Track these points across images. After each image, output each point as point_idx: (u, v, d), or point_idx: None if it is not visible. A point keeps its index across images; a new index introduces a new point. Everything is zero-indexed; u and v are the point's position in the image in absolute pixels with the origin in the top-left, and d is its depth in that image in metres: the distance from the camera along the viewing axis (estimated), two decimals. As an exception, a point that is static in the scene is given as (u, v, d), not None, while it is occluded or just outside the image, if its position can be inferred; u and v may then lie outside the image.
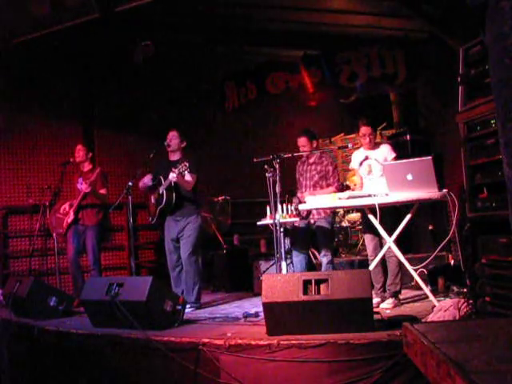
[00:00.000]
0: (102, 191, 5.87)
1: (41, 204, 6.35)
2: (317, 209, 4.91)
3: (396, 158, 4.70)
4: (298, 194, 5.32)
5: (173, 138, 5.24)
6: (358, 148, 5.05)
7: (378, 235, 4.62)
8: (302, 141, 5.13)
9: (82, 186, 5.75)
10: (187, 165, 4.86)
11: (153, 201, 5.27)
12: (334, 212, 5.60)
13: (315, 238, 5.23)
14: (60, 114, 7.42)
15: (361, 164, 4.88)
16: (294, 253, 5.23)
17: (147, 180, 5.26)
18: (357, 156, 4.94)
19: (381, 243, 4.67)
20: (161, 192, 5.10)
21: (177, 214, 5.15)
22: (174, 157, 5.28)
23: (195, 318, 4.56)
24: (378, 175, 4.70)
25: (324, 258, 5.08)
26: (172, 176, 4.86)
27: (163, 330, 3.97)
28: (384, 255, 4.56)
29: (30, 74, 7.07)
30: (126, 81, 7.62)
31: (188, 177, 5.03)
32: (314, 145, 5.19)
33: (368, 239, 4.82)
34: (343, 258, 7.19)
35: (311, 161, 5.22)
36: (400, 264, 4.59)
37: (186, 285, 5.09)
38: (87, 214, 5.83)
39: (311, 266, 5.72)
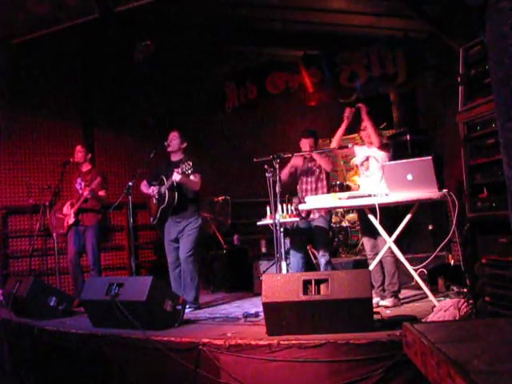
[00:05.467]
0: (101, 193, 5.88)
1: (41, 204, 6.34)
2: (315, 209, 4.93)
3: (390, 157, 4.73)
4: (299, 194, 5.36)
5: (173, 139, 5.23)
6: (360, 145, 5.07)
7: (375, 235, 4.62)
8: (309, 142, 5.17)
9: (83, 192, 5.75)
10: (191, 164, 4.80)
11: (154, 201, 5.26)
12: (331, 211, 5.62)
13: (314, 238, 5.25)
14: (60, 114, 7.41)
15: (362, 164, 4.90)
16: (292, 252, 5.24)
17: (150, 191, 5.21)
18: (360, 150, 4.97)
19: (378, 242, 4.68)
20: (163, 192, 5.08)
21: (178, 216, 5.14)
22: (175, 157, 5.27)
23: (195, 318, 4.56)
24: (375, 172, 4.73)
25: (322, 258, 5.09)
26: (176, 176, 4.84)
27: (163, 330, 3.97)
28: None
29: (30, 74, 7.06)
30: (126, 80, 7.62)
31: (193, 176, 5.00)
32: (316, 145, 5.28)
33: (366, 239, 4.84)
34: (343, 257, 7.19)
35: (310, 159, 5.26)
36: (396, 264, 4.60)
37: (184, 285, 5.08)
38: (87, 215, 5.84)
39: (311, 266, 5.73)
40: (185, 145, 5.28)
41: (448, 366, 1.53)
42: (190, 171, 4.84)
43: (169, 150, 5.23)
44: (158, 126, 7.81)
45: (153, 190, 5.17)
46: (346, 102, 8.08)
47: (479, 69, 3.48)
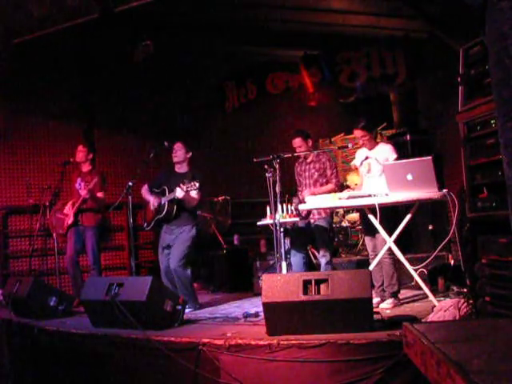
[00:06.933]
0: (100, 194, 5.88)
1: (41, 204, 6.34)
2: (317, 209, 4.92)
3: (397, 160, 4.70)
4: (299, 194, 5.34)
5: (178, 149, 5.25)
6: (360, 147, 5.05)
7: (377, 235, 4.62)
8: (297, 141, 5.15)
9: (81, 192, 5.75)
10: (197, 185, 4.76)
11: (152, 207, 5.25)
12: (332, 212, 5.61)
13: (315, 239, 5.24)
14: (60, 114, 7.40)
15: (361, 163, 4.89)
16: (292, 252, 5.24)
17: (155, 202, 5.19)
18: (360, 154, 4.96)
19: (380, 242, 4.68)
20: (162, 203, 5.10)
21: (172, 223, 5.14)
22: (181, 169, 5.28)
23: (195, 318, 4.56)
24: (377, 174, 4.72)
25: (323, 258, 5.08)
26: (179, 192, 4.83)
27: (163, 330, 3.97)
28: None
29: (30, 73, 7.06)
30: (126, 81, 7.62)
31: (194, 194, 5.00)
32: (310, 144, 5.22)
33: (367, 239, 4.84)
34: (343, 257, 7.19)
35: (309, 160, 5.24)
36: (394, 264, 4.59)
37: (180, 291, 5.05)
38: (86, 215, 5.84)
39: (311, 266, 5.72)
40: (190, 154, 5.29)
41: (448, 366, 1.53)
42: (193, 192, 4.83)
43: (174, 160, 5.25)
44: (158, 126, 7.82)
45: (153, 202, 5.17)
46: (346, 102, 8.11)
47: (479, 69, 3.49)
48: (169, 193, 5.06)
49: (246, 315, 4.31)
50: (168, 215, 5.08)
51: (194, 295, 5.14)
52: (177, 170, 5.31)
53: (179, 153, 5.24)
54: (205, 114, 8.43)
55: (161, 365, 3.67)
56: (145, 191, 5.36)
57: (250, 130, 8.85)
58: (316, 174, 5.18)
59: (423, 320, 3.69)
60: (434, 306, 3.80)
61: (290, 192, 5.86)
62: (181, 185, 4.82)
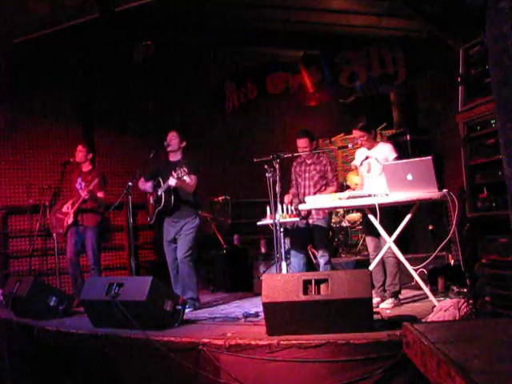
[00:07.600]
0: (100, 194, 5.88)
1: (41, 204, 6.35)
2: (316, 209, 4.92)
3: (397, 159, 4.70)
4: (292, 190, 5.33)
5: (172, 138, 5.26)
6: (359, 147, 5.05)
7: (378, 235, 4.62)
8: (303, 142, 5.14)
9: (82, 193, 5.76)
10: (186, 170, 4.85)
11: (151, 201, 5.28)
12: (330, 212, 5.61)
13: (313, 239, 5.24)
14: (60, 113, 7.40)
15: (361, 163, 4.89)
16: (293, 253, 5.24)
17: (148, 187, 5.27)
18: (360, 154, 4.95)
19: (381, 243, 4.68)
20: (159, 194, 5.12)
21: (175, 216, 5.17)
22: (175, 157, 5.29)
23: (195, 318, 4.56)
24: (377, 174, 4.72)
25: (321, 258, 5.09)
26: (171, 181, 4.89)
27: (163, 330, 3.97)
28: (382, 256, 4.56)
29: (30, 73, 7.06)
30: (126, 81, 7.62)
31: (188, 179, 5.03)
32: (314, 145, 5.22)
33: (368, 239, 4.83)
34: (343, 257, 7.19)
35: (309, 161, 5.23)
36: (398, 264, 4.59)
37: (183, 285, 5.09)
38: (86, 215, 5.84)
39: (311, 266, 5.72)
40: (184, 144, 5.30)
41: (448, 366, 1.53)
42: (185, 177, 4.87)
43: (169, 149, 5.26)
44: (157, 125, 7.81)
45: (149, 187, 5.23)
46: (346, 102, 8.11)
47: (479, 69, 3.49)
48: (163, 184, 5.10)
49: (246, 315, 4.31)
50: (167, 205, 5.10)
51: (196, 291, 5.15)
52: (170, 158, 5.32)
53: (173, 142, 5.25)
54: (205, 114, 8.43)
55: (161, 365, 3.67)
56: (141, 183, 5.39)
57: (250, 130, 8.84)
58: (317, 175, 5.17)
59: (423, 320, 3.69)
60: (434, 306, 3.80)
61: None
62: (172, 173, 4.88)
